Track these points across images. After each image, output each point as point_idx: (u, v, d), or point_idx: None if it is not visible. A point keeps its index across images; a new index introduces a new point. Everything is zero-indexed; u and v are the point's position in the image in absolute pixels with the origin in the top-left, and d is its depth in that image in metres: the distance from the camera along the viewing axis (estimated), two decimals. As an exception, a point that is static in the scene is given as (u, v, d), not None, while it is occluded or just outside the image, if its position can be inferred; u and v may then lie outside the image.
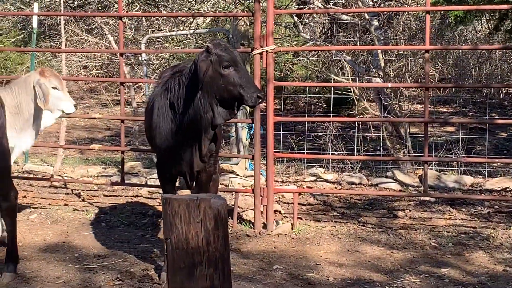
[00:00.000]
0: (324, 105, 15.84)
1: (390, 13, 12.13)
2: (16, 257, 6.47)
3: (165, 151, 6.23)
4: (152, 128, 6.39)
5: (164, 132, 6.15)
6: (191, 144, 6.06)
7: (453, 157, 10.25)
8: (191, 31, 11.43)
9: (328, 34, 15.96)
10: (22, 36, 20.90)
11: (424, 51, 7.93)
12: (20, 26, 21.20)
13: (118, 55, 8.90)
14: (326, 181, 9.77)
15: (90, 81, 19.90)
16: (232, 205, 8.14)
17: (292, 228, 7.80)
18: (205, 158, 6.20)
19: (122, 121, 8.73)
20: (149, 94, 11.72)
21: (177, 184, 7.00)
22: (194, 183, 6.65)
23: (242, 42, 10.05)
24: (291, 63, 18.26)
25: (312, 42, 11.12)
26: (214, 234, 3.73)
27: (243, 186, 9.27)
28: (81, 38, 15.90)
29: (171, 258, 3.76)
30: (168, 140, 6.13)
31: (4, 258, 6.48)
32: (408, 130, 10.59)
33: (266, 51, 7.66)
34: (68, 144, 12.67)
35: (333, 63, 13.05)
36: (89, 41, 16.19)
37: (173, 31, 12.38)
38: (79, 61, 16.55)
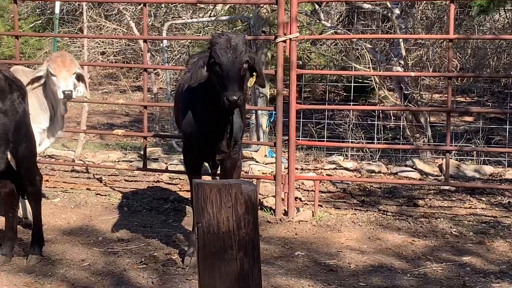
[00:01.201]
0: (343, 93, 15.85)
1: (411, 1, 12.10)
2: (42, 240, 6.58)
3: (190, 137, 6.30)
4: (179, 113, 6.49)
5: (189, 117, 6.22)
6: (214, 131, 6.11)
7: (473, 146, 10.25)
8: (212, 18, 11.44)
9: (346, 22, 15.95)
10: (40, 21, 20.99)
11: (447, 40, 7.93)
12: (38, 11, 21.28)
13: (141, 41, 8.91)
14: (345, 169, 9.81)
15: (108, 67, 19.95)
16: (253, 191, 8.18)
17: (312, 215, 7.85)
18: (225, 147, 6.25)
19: (145, 107, 8.79)
20: (171, 80, 11.85)
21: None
22: (218, 169, 6.72)
23: (264, 29, 10.08)
24: (309, 51, 18.27)
25: (333, 30, 11.11)
26: (244, 219, 3.77)
27: (263, 173, 9.33)
28: (99, 24, 15.96)
29: (202, 242, 3.80)
30: (192, 126, 6.20)
31: (30, 241, 6.59)
32: (428, 120, 10.59)
33: (290, 39, 7.69)
34: (89, 129, 12.76)
35: (353, 51, 13.05)
36: (107, 27, 16.26)
37: (194, 18, 12.39)
38: (97, 47, 16.62)
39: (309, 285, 5.91)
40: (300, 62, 18.39)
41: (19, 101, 6.06)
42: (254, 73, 5.97)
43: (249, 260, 3.82)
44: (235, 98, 5.52)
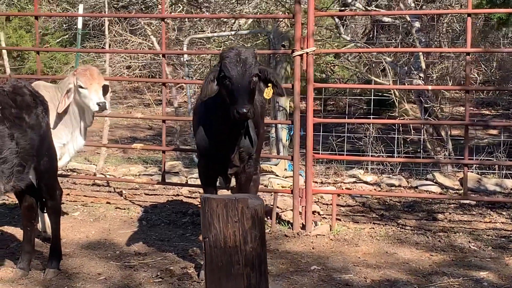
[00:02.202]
0: (365, 107, 15.81)
1: (433, 15, 12.06)
2: (60, 254, 6.62)
3: (203, 151, 6.34)
4: (194, 127, 6.55)
5: (201, 131, 6.26)
6: (225, 145, 6.15)
7: (494, 160, 10.18)
8: (233, 32, 11.50)
9: (371, 36, 15.94)
10: (67, 36, 21.20)
11: (465, 53, 7.90)
12: (65, 26, 21.50)
13: (161, 56, 8.98)
14: (365, 182, 9.78)
15: (133, 81, 20.10)
16: (271, 205, 8.20)
17: (330, 229, 7.83)
18: (237, 161, 6.27)
19: (164, 121, 8.85)
20: (191, 94, 11.91)
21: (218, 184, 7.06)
22: (235, 183, 6.74)
23: (283, 43, 10.11)
24: (332, 64, 18.27)
25: (353, 44, 11.12)
26: (251, 234, 3.79)
27: (282, 187, 9.32)
28: (125, 39, 16.10)
29: (209, 256, 3.83)
30: (205, 140, 6.24)
31: (48, 255, 6.64)
32: (449, 133, 10.53)
33: (307, 53, 7.71)
34: (111, 143, 12.86)
35: (374, 64, 13.05)
36: (132, 42, 16.40)
37: (215, 32, 12.47)
38: (123, 61, 16.76)
39: (323, 300, 5.90)
40: (324, 76, 18.48)
41: (42, 116, 6.14)
42: (270, 84, 6.00)
43: (256, 275, 3.84)
44: (245, 111, 5.56)
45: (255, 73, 5.79)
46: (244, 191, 6.53)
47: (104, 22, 15.81)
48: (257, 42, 12.59)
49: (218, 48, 12.69)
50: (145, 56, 16.76)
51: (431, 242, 7.49)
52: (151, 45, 15.64)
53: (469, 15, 7.53)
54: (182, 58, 12.22)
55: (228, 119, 5.79)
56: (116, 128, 17.31)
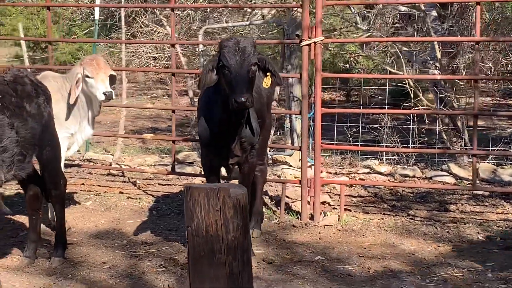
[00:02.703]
0: (390, 97, 15.71)
1: (462, 5, 11.84)
2: (65, 243, 6.69)
3: (205, 141, 6.35)
4: (197, 117, 6.57)
5: (203, 121, 6.27)
6: (226, 135, 6.14)
7: (510, 151, 10.05)
8: (247, 22, 11.48)
9: (398, 27, 15.79)
10: (94, 26, 21.32)
11: (474, 42, 7.81)
12: (92, 17, 21.63)
13: (171, 46, 9.00)
14: (379, 173, 9.70)
15: (153, 72, 20.16)
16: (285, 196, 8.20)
17: (338, 220, 7.80)
18: (238, 151, 6.26)
19: (173, 111, 8.89)
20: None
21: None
22: (239, 174, 6.74)
23: (297, 33, 10.06)
24: (356, 54, 18.15)
25: (369, 33, 11.03)
26: (233, 223, 3.77)
27: (295, 177, 9.29)
28: (151, 29, 16.16)
29: (191, 245, 3.82)
30: (206, 130, 6.24)
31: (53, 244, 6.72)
32: (466, 123, 10.42)
33: (314, 42, 7.67)
34: (131, 134, 12.97)
35: (398, 55, 12.91)
36: (158, 32, 16.45)
37: (232, 22, 12.45)
38: (149, 52, 16.83)
39: (323, 290, 5.88)
40: (348, 66, 18.37)
41: (44, 105, 6.18)
42: (268, 73, 5.98)
43: (238, 264, 3.83)
44: (243, 99, 5.56)
45: (253, 62, 5.78)
46: (247, 181, 6.53)
47: (131, 13, 15.93)
48: (273, 31, 12.55)
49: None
50: (169, 47, 16.84)
51: (439, 233, 7.43)
52: (177, 35, 15.71)
53: (477, 3, 7.42)
54: (197, 48, 12.23)
55: (228, 108, 5.79)
56: (138, 118, 17.46)
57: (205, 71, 5.91)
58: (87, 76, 7.33)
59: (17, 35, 21.90)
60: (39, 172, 6.58)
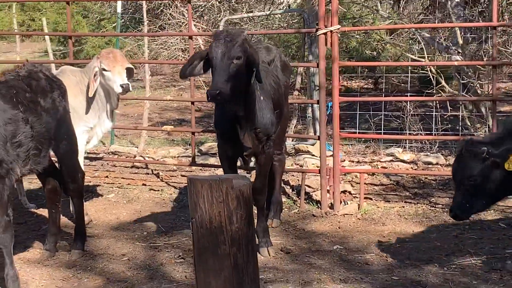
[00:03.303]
0: (418, 84, 15.58)
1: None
2: (84, 235, 6.75)
3: (219, 132, 6.37)
4: (214, 108, 6.61)
5: (217, 112, 6.29)
6: (232, 126, 6.14)
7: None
8: (267, 12, 11.46)
9: (428, 13, 15.63)
10: (123, 20, 21.44)
11: (491, 27, 7.71)
12: (121, 11, 21.73)
13: (188, 38, 9.00)
14: (402, 161, 9.62)
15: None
16: (306, 185, 8.18)
17: (358, 209, 7.77)
18: (248, 142, 6.25)
19: (192, 102, 8.91)
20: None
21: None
22: (255, 164, 6.74)
23: (317, 22, 9.99)
24: (383, 42, 18.01)
25: (391, 20, 10.94)
26: (237, 214, 3.78)
27: (317, 167, 9.26)
28: (178, 21, 16.21)
29: (196, 237, 3.84)
30: (218, 122, 6.26)
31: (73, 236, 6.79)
32: (488, 109, 10.28)
33: (331, 31, 7.63)
34: (153, 125, 13.03)
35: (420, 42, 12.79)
36: (186, 24, 16.50)
37: (256, 11, 12.43)
38: (177, 44, 16.89)
39: (340, 279, 5.86)
40: (375, 53, 18.24)
41: (59, 99, 6.23)
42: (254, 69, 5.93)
43: (242, 255, 3.84)
44: (212, 92, 5.54)
45: (236, 56, 5.72)
46: (264, 172, 6.53)
47: (160, 5, 16.00)
48: (294, 21, 12.50)
49: (255, 28, 12.68)
50: (196, 39, 16.90)
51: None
52: (205, 27, 15.75)
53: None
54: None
55: None
56: (165, 110, 17.48)
57: (190, 61, 5.92)
58: (104, 70, 7.37)
59: (48, 30, 22.16)
60: (57, 166, 6.66)
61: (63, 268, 6.32)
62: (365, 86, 19.97)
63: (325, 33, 7.64)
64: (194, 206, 3.82)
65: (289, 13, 12.96)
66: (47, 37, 14.28)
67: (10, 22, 30.05)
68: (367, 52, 18.50)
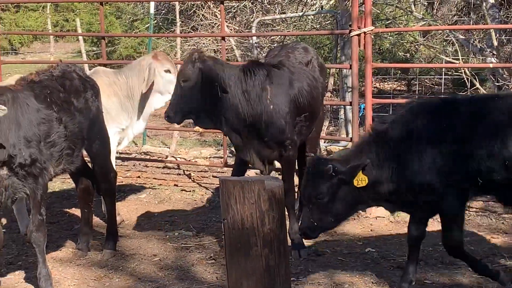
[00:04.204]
0: (451, 86, 15.44)
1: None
2: (116, 235, 6.77)
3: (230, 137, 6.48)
4: None
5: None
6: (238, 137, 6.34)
7: None
8: (301, 13, 11.42)
9: (462, 14, 15.50)
10: (155, 21, 21.53)
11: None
12: (154, 11, 21.82)
13: (221, 39, 9.01)
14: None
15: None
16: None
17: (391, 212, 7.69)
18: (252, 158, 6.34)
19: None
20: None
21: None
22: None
23: (350, 23, 9.94)
24: (417, 43, 17.88)
25: (425, 22, 10.85)
26: (269, 215, 3.76)
27: (349, 168, 9.21)
28: (211, 22, 16.24)
29: (228, 238, 3.83)
30: (228, 133, 6.40)
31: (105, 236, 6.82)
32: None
33: (364, 32, 7.58)
34: (186, 126, 13.02)
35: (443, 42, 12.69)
36: (218, 25, 16.52)
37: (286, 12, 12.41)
38: (209, 44, 16.93)
39: (372, 282, 5.81)
40: (408, 55, 18.11)
41: (92, 100, 6.26)
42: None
43: (274, 257, 3.82)
44: (164, 115, 6.22)
45: (183, 78, 6.07)
46: (287, 175, 6.48)
47: (192, 6, 16.04)
48: (326, 22, 12.46)
49: (288, 30, 12.65)
50: (229, 40, 16.94)
51: (494, 224, 7.28)
52: (237, 28, 15.77)
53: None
54: (250, 41, 12.23)
55: None
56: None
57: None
58: (168, 71, 7.42)
59: (80, 31, 22.33)
60: (90, 166, 6.69)
61: (94, 268, 6.34)
62: (398, 88, 19.83)
63: (358, 35, 7.59)
64: (226, 207, 3.80)
65: (321, 14, 12.90)
66: (80, 38, 14.38)
67: (44, 22, 30.41)
68: (400, 53, 18.40)
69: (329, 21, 12.29)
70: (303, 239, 5.85)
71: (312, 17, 13.60)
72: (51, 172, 5.58)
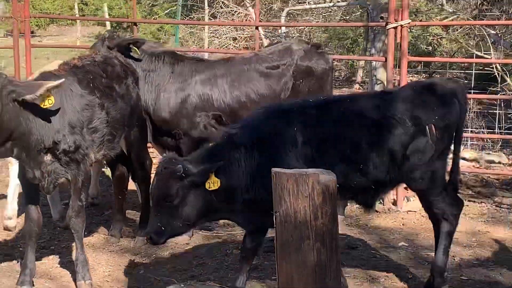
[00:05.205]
0: (473, 81, 15.35)
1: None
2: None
3: None
4: None
5: None
6: None
7: None
8: (331, 4, 11.36)
9: (483, 8, 15.40)
10: (175, 7, 21.51)
11: None
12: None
13: (254, 28, 8.97)
14: (463, 158, 9.48)
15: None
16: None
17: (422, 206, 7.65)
18: None
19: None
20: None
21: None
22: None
23: (382, 15, 9.89)
24: (439, 37, 17.78)
25: (456, 15, 10.78)
26: (322, 209, 3.74)
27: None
28: (231, 10, 16.19)
29: (279, 231, 3.81)
30: None
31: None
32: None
33: (401, 25, 7.53)
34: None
35: (481, 38, 12.60)
36: (239, 13, 16.47)
37: (312, 3, 12.35)
38: (229, 32, 16.88)
39: (408, 277, 5.80)
40: (430, 48, 18.02)
41: (133, 86, 6.24)
42: None
43: (326, 251, 3.79)
44: None
45: None
46: None
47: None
48: (356, 14, 12.40)
49: (317, 20, 12.59)
50: (250, 28, 16.87)
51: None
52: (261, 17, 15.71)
53: None
54: (279, 30, 12.19)
55: None
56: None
57: None
58: None
59: (100, 15, 22.32)
60: (126, 153, 6.69)
61: (128, 254, 6.36)
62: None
63: (395, 28, 7.54)
64: (279, 200, 3.78)
65: (347, 6, 12.83)
66: (107, 23, 14.36)
67: (61, 6, 30.39)
68: (422, 46, 18.32)
69: (360, 13, 12.22)
70: (151, 243, 5.14)
71: (337, 8, 13.55)
72: (92, 158, 5.57)
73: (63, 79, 5.07)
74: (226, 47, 15.76)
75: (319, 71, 6.88)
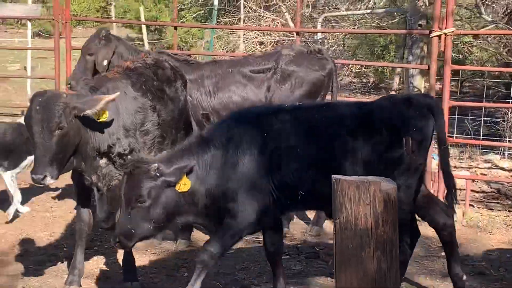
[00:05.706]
0: (503, 90, 15.25)
1: None
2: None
3: None
4: None
5: None
6: None
7: None
8: (368, 11, 11.34)
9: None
10: (202, 11, 21.56)
11: None
12: (201, 1, 21.86)
13: (295, 34, 8.97)
14: (501, 168, 9.40)
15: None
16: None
17: (463, 215, 7.62)
18: None
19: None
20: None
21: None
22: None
23: (420, 23, 9.87)
24: (470, 44, 17.70)
25: (494, 25, 10.71)
26: (383, 217, 3.72)
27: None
28: (259, 15, 16.20)
29: (339, 237, 3.79)
30: None
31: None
32: None
33: (445, 34, 7.49)
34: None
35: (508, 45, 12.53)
36: (266, 18, 16.48)
37: (350, 10, 12.34)
38: (256, 37, 16.89)
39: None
40: (461, 56, 17.94)
41: (181, 89, 6.23)
42: None
43: (386, 260, 3.77)
44: None
45: None
46: None
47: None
48: (393, 21, 12.35)
49: (353, 27, 12.57)
50: (277, 33, 16.87)
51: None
52: (285, 21, 15.70)
53: None
54: (315, 36, 12.18)
55: None
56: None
57: None
58: None
59: (129, 17, 22.40)
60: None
61: (170, 257, 6.36)
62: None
63: (439, 36, 7.50)
64: (339, 207, 3.76)
65: (381, 12, 12.80)
66: (143, 26, 14.41)
67: (88, 7, 30.57)
68: (453, 54, 18.24)
69: (395, 20, 12.18)
70: (120, 246, 4.92)
71: (367, 15, 13.52)
72: (143, 160, 5.56)
73: (118, 93, 5.08)
74: (252, 51, 15.78)
75: (309, 77, 6.88)
